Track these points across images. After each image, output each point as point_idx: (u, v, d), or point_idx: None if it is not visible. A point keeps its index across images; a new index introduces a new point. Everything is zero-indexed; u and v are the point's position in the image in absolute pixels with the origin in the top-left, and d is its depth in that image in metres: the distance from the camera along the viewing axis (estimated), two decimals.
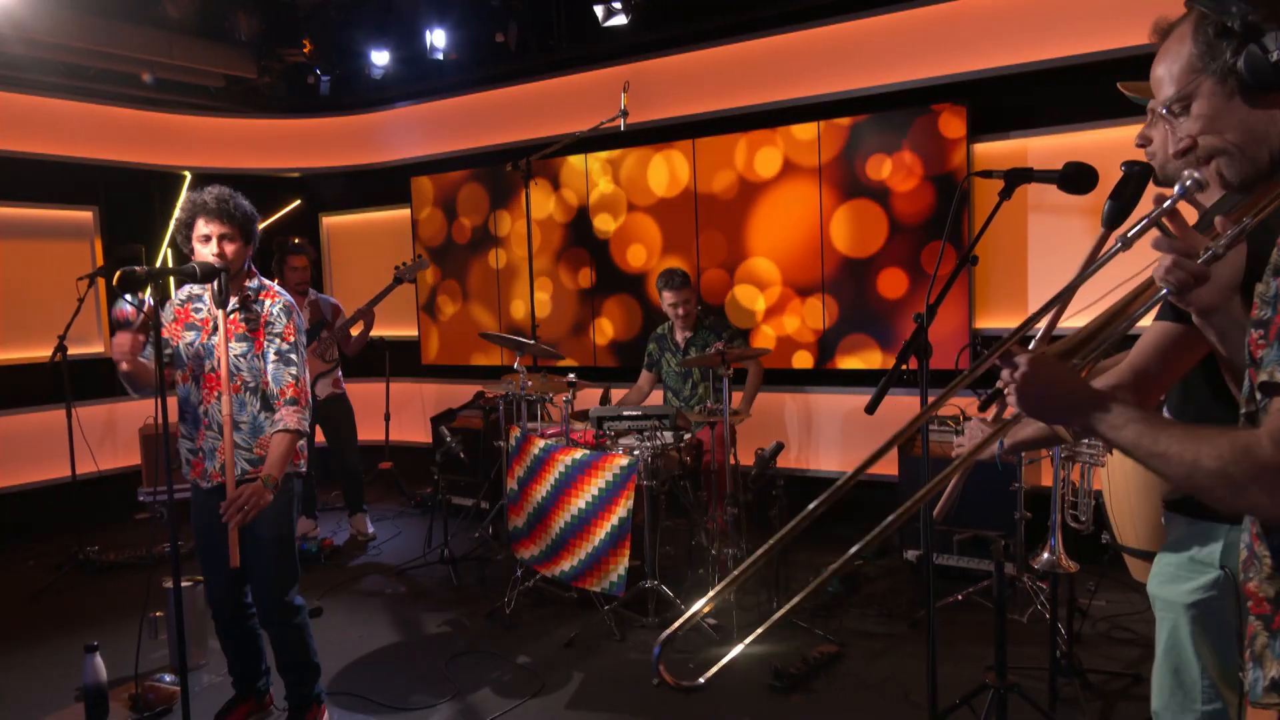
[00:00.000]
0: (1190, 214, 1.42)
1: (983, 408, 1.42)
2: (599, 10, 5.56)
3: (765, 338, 5.68)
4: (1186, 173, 1.31)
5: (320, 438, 5.65)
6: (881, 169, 5.21)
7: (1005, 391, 1.32)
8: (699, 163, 5.83)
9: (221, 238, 2.89)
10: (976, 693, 2.74)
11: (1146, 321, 1.67)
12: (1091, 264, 1.41)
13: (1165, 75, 1.31)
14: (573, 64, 6.24)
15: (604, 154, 6.18)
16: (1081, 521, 2.74)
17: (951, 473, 1.42)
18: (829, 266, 5.44)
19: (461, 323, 7.05)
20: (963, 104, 4.95)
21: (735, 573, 1.47)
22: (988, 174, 2.08)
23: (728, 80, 5.69)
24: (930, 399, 2.07)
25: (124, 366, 2.81)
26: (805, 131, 5.44)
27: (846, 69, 5.32)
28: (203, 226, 2.89)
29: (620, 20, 5.56)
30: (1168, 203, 1.34)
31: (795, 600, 1.55)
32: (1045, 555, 2.60)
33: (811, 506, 1.55)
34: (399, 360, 6.92)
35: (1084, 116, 4.66)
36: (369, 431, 6.03)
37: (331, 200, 7.63)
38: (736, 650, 1.86)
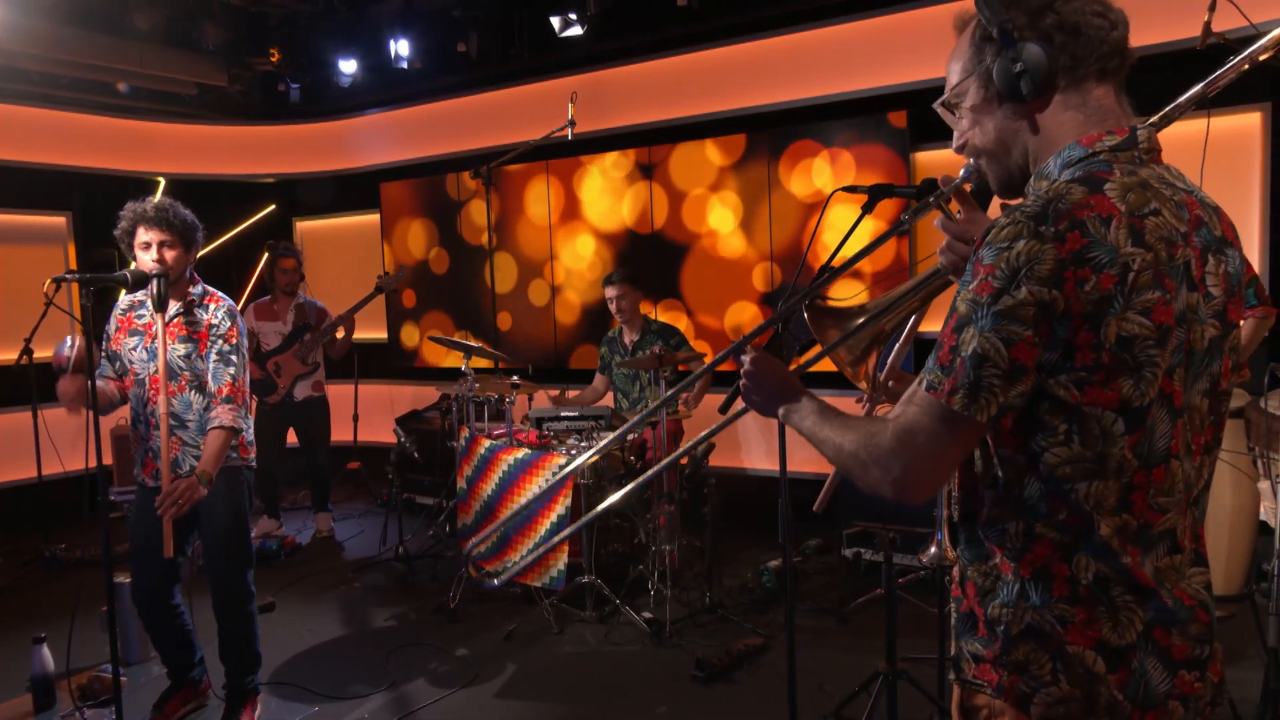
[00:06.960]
0: None
1: (724, 407, 1.62)
2: (556, 21, 5.70)
3: (711, 341, 5.82)
4: (970, 160, 1.38)
5: (292, 438, 5.80)
6: (827, 176, 5.35)
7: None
8: (655, 170, 5.96)
9: (161, 244, 3.04)
10: (871, 680, 2.87)
11: None
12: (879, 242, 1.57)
13: (949, 70, 1.35)
14: (532, 73, 6.37)
15: (562, 160, 6.31)
16: None
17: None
18: (774, 271, 5.57)
19: (429, 325, 7.19)
20: (903, 112, 5.09)
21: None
22: (852, 189, 2.20)
23: (681, 88, 5.82)
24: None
25: (78, 414, 2.94)
26: (754, 139, 5.57)
27: (797, 79, 5.45)
28: (143, 234, 3.05)
29: (576, 31, 5.71)
30: (949, 188, 1.46)
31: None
32: (933, 549, 2.74)
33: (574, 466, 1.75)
34: (371, 362, 7.05)
35: None
36: (338, 432, 6.16)
37: (305, 205, 7.77)
38: (535, 553, 2.08)
